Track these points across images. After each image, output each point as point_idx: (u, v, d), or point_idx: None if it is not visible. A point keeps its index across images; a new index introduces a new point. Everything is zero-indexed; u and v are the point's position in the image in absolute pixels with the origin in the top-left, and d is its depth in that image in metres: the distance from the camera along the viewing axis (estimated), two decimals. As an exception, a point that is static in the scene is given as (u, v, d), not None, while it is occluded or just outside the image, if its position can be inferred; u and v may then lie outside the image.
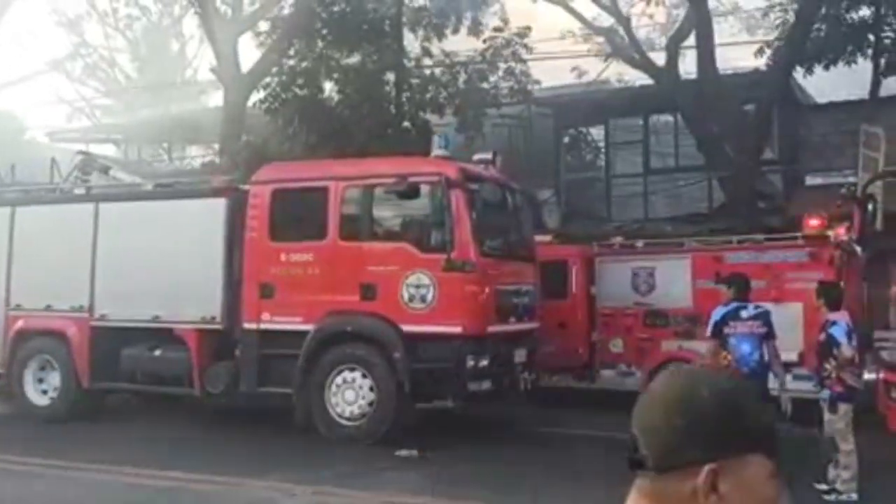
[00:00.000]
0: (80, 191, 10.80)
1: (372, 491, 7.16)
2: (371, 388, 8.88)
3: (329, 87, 15.33)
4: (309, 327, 9.12)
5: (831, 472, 6.87)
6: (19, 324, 10.50)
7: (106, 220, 10.23)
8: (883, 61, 13.86)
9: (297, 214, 9.51)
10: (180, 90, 23.11)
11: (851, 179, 13.15)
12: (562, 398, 11.17)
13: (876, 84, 13.97)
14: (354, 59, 15.28)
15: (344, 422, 8.96)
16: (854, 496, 6.67)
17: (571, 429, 9.99)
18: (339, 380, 9.02)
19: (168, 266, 9.72)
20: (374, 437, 8.76)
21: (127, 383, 10.11)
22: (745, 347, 6.42)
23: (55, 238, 10.35)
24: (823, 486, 6.88)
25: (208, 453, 8.41)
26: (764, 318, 6.60)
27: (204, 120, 18.38)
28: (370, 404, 8.88)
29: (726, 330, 6.36)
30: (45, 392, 10.47)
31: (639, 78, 16.50)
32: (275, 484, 7.21)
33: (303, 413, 9.17)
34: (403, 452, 8.41)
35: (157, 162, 20.43)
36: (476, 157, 9.92)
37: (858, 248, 9.91)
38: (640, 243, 12.01)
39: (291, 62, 15.08)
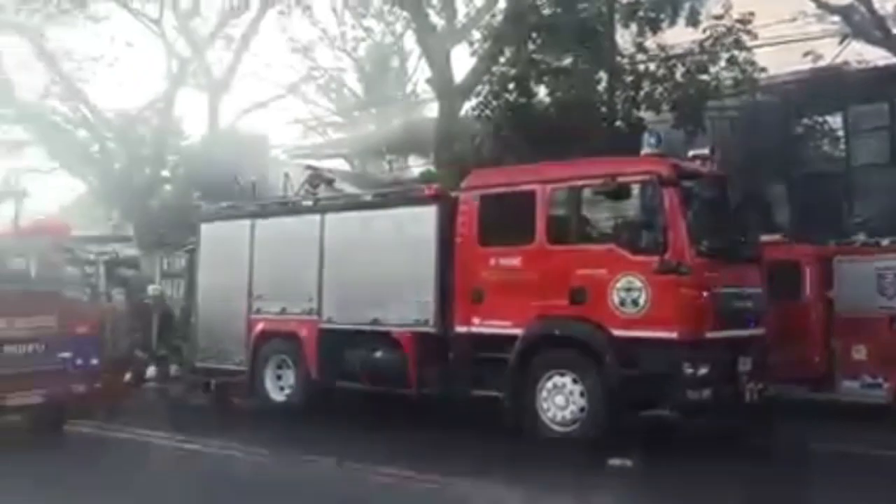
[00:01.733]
0: (308, 203, 11.60)
1: (582, 500, 6.96)
2: (581, 394, 8.68)
3: (540, 91, 15.29)
4: (518, 331, 9.10)
5: None
6: (260, 327, 11.47)
7: (331, 229, 10.87)
8: None
9: (506, 219, 9.53)
10: (401, 104, 24.29)
11: None
12: (797, 410, 10.23)
13: None
14: (566, 61, 15.12)
15: (555, 427, 8.82)
16: None
17: (809, 443, 9.12)
18: (549, 384, 8.89)
19: (385, 272, 10.15)
20: (584, 444, 8.54)
21: (352, 382, 10.68)
22: None
23: (288, 248, 11.19)
24: None
25: (422, 452, 8.64)
26: None
27: (421, 131, 19.13)
28: (581, 410, 8.68)
29: None
30: (281, 389, 11.36)
31: (882, 58, 14.79)
32: (484, 485, 7.23)
33: (513, 417, 9.16)
34: (616, 462, 8.10)
35: (380, 173, 21.56)
36: (692, 152, 9.39)
37: None
38: (887, 241, 10.78)
39: (502, 69, 15.23)
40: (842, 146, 16.42)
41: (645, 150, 8.94)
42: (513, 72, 15.01)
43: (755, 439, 9.57)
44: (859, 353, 10.37)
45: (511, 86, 14.79)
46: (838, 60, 15.98)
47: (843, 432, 9.56)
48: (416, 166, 21.49)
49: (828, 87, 15.34)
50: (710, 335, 8.44)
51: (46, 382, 9.30)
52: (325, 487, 7.60)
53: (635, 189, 8.55)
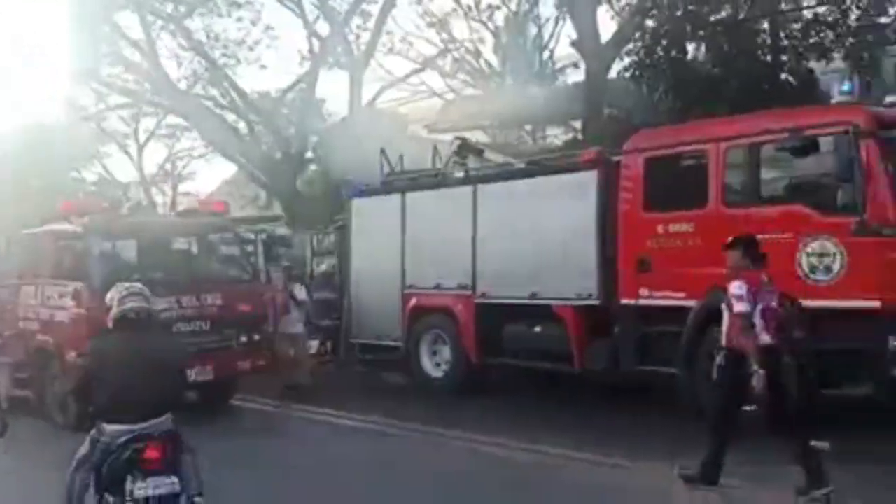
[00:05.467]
0: (459, 174, 11.30)
1: (780, 489, 6.30)
2: (766, 370, 7.93)
3: (695, 46, 14.29)
4: (692, 302, 8.44)
5: None
6: (413, 302, 11.33)
7: (483, 200, 10.55)
8: None
9: (675, 182, 8.84)
10: (539, 72, 23.62)
11: None
12: None
13: None
14: (724, 13, 14.04)
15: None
16: None
17: None
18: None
19: (542, 243, 9.73)
20: (770, 425, 7.80)
21: (510, 358, 10.36)
22: None
23: (440, 221, 10.97)
24: None
25: (589, 431, 8.21)
26: None
27: (562, 98, 18.44)
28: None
29: None
30: (438, 365, 11.20)
31: None
32: (663, 470, 6.72)
33: (688, 394, 8.53)
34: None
35: (521, 144, 21.04)
36: (889, 99, 8.34)
37: None
38: None
39: (653, 24, 14.33)
40: None
41: (836, 99, 8.01)
42: (666, 27, 14.08)
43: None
44: None
45: (664, 42, 13.86)
46: None
47: None
48: (558, 135, 20.82)
49: None
50: (920, 305, 7.50)
51: (215, 359, 9.52)
52: (481, 466, 7.33)
53: (826, 142, 7.67)
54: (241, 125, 21.57)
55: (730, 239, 6.56)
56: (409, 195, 11.52)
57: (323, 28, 20.38)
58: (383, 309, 11.60)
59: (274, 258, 12.84)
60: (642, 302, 8.91)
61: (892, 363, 7.40)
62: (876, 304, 7.37)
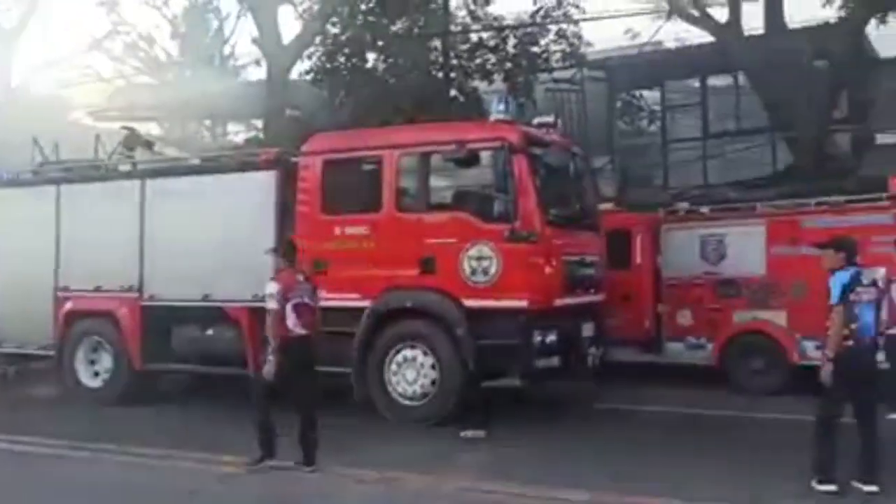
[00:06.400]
0: (125, 167, 10.47)
1: (439, 475, 6.73)
2: (433, 367, 8.45)
3: (374, 55, 14.81)
4: (366, 303, 8.71)
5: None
6: (69, 305, 10.27)
7: (154, 197, 9.90)
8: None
9: (351, 185, 9.06)
10: (220, 66, 22.78)
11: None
12: (627, 373, 10.65)
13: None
14: (400, 26, 14.72)
15: (405, 402, 8.56)
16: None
17: (639, 405, 9.51)
18: (399, 358, 8.60)
19: (217, 243, 9.36)
20: (437, 418, 8.35)
21: (179, 364, 9.83)
22: (869, 316, 5.82)
23: (102, 217, 10.07)
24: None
25: (229, 436, 8.03)
26: (876, 284, 5.99)
27: (243, 95, 18.01)
28: (433, 383, 8.46)
29: (852, 297, 5.75)
30: (97, 374, 10.26)
31: (696, 37, 15.69)
32: (340, 469, 6.83)
33: (362, 393, 8.78)
34: (469, 433, 8.00)
35: (199, 138, 20.16)
36: (536, 120, 9.34)
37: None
38: (707, 209, 11.38)
39: (335, 30, 14.57)
40: (658, 120, 17.27)
41: (493, 117, 8.77)
42: (347, 34, 14.40)
43: (594, 403, 9.86)
44: (684, 317, 10.92)
45: (346, 49, 14.17)
46: (657, 38, 16.79)
47: (666, 393, 10.10)
48: (240, 132, 20.31)
49: (646, 63, 16.05)
50: (558, 303, 8.49)
51: None
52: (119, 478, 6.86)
53: (486, 156, 8.37)
54: None
55: (280, 245, 7.30)
56: (66, 188, 10.44)
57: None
58: (31, 314, 10.33)
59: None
60: (320, 303, 8.95)
61: (536, 356, 8.28)
62: (524, 303, 8.19)
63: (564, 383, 9.62)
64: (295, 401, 6.81)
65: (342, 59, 14.14)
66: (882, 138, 14.02)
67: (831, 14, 13.67)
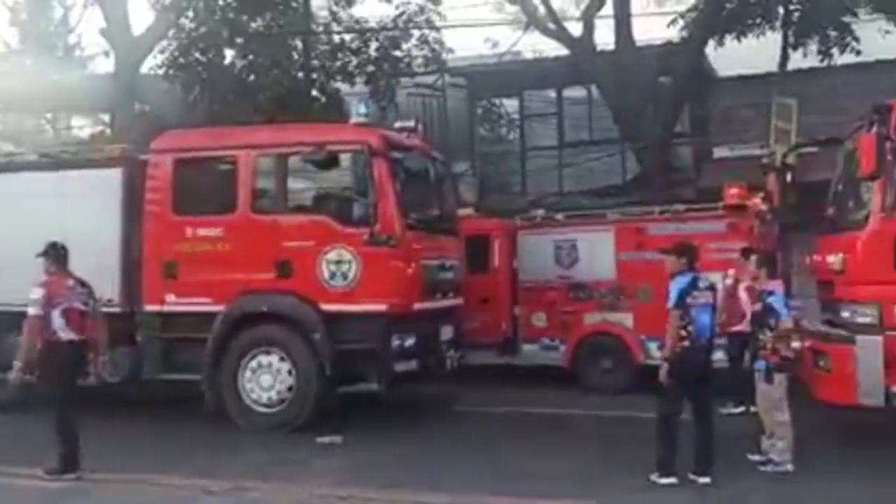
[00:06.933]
0: (-49, 161, 9.61)
1: (295, 482, 6.60)
2: (289, 372, 8.27)
3: (232, 52, 14.36)
4: (219, 308, 8.41)
5: (765, 443, 6.78)
6: None
7: (-17, 193, 9.14)
8: (791, 34, 14.00)
9: (204, 185, 8.74)
10: (64, 58, 21.40)
11: (759, 152, 13.32)
12: (485, 375, 10.85)
13: (784, 57, 14.13)
14: (259, 23, 14.35)
15: (260, 409, 8.33)
16: (790, 467, 6.59)
17: (495, 407, 9.69)
18: (253, 364, 8.37)
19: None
20: (293, 424, 8.18)
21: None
22: (705, 319, 6.19)
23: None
24: (758, 457, 6.79)
25: (112, 448, 7.60)
26: (712, 288, 6.40)
27: (90, 88, 16.98)
28: (289, 389, 8.28)
29: (689, 300, 6.10)
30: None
31: (553, 49, 16.24)
32: (188, 480, 6.54)
33: (213, 401, 8.47)
34: (325, 439, 7.88)
35: (39, 133, 18.84)
36: (398, 124, 9.35)
37: (777, 218, 9.99)
38: (561, 216, 11.79)
39: (191, 24, 14.01)
40: (516, 128, 17.73)
41: (354, 119, 8.69)
42: (202, 28, 13.87)
43: (453, 405, 9.97)
44: (539, 319, 11.25)
45: (201, 44, 13.65)
46: (516, 48, 17.25)
47: (522, 394, 10.37)
48: (85, 126, 19.13)
49: (506, 72, 16.45)
50: (417, 306, 8.52)
51: None
52: None
53: (345, 158, 8.30)
54: None
55: (49, 248, 6.94)
56: None
57: None
58: None
59: None
60: (167, 308, 8.60)
61: (394, 360, 8.27)
62: (383, 307, 8.16)
63: (423, 386, 9.69)
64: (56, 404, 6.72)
65: (197, 54, 13.62)
66: (719, 151, 15.01)
67: (675, 34, 14.51)
